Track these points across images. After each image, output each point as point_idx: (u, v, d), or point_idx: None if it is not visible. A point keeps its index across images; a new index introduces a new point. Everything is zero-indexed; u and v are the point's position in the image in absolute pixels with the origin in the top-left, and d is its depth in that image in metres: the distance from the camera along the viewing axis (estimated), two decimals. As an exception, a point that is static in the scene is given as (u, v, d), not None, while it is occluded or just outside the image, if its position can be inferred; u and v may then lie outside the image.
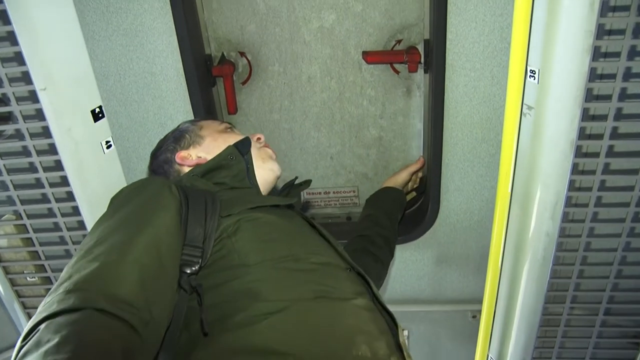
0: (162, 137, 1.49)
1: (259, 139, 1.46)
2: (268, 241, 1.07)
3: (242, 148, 1.34)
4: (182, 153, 1.37)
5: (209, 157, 1.34)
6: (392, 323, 1.07)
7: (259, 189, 1.36)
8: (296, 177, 1.55)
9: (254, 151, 1.38)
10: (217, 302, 0.95)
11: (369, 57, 1.85)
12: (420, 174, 2.03)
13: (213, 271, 1.01)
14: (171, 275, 0.96)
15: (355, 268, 1.16)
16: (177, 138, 1.42)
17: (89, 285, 0.80)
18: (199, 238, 1.03)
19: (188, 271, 0.98)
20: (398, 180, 1.89)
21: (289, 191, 1.49)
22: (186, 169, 1.36)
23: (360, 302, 1.03)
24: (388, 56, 1.87)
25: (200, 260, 1.00)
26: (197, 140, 1.40)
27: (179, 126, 1.48)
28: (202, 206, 1.09)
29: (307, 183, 1.52)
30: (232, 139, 1.39)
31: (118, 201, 1.05)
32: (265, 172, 1.39)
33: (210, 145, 1.38)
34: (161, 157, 1.41)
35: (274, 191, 1.51)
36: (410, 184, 1.98)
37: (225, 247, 1.04)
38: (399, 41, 1.86)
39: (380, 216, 1.73)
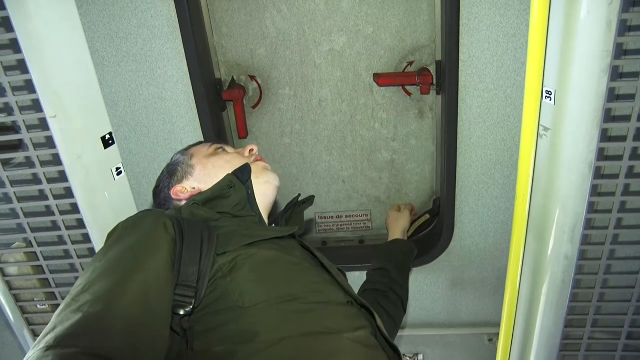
0: None
1: (251, 150, 1.43)
2: (265, 280, 1.03)
3: (242, 176, 1.29)
4: (177, 188, 1.33)
5: (203, 186, 1.31)
6: (396, 358, 1.04)
7: (261, 216, 1.32)
8: (299, 195, 1.50)
9: None
10: (209, 347, 0.91)
11: (381, 79, 1.85)
12: (414, 210, 2.04)
13: (207, 314, 0.96)
14: (161, 322, 0.90)
15: (357, 300, 1.13)
16: (170, 172, 1.38)
17: (69, 340, 0.75)
18: (192, 277, 0.98)
19: (181, 313, 0.94)
20: (403, 226, 1.88)
21: (292, 211, 1.46)
22: (184, 203, 1.30)
23: (358, 336, 0.99)
24: (400, 78, 1.86)
25: (193, 301, 0.96)
26: (188, 171, 1.35)
27: (172, 159, 1.44)
28: (197, 243, 1.04)
29: (310, 200, 1.49)
30: (222, 161, 1.35)
31: (112, 239, 1.01)
32: (262, 186, 1.34)
33: (200, 174, 1.34)
34: (161, 195, 1.38)
35: (275, 209, 1.48)
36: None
37: (220, 287, 0.99)
38: (410, 63, 1.85)
39: (392, 271, 1.66)
